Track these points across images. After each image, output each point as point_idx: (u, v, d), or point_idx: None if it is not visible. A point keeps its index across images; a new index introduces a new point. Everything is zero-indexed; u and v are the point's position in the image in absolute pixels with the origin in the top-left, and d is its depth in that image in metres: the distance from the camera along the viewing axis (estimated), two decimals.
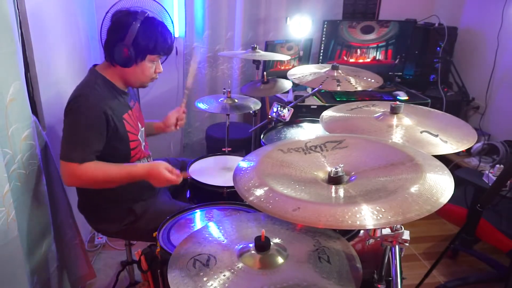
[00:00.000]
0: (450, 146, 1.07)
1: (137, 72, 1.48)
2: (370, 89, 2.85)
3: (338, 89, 1.63)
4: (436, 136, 1.11)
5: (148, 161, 1.67)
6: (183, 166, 1.88)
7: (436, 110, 1.34)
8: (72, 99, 1.42)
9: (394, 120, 1.19)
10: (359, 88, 1.63)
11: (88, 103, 1.39)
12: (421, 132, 1.13)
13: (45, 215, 1.53)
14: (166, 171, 1.43)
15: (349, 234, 1.27)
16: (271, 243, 0.92)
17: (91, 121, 1.39)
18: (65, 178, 1.42)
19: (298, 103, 2.25)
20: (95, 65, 1.53)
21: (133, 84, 1.56)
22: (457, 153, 2.63)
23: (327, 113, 1.32)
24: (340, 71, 1.72)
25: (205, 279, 0.85)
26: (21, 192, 1.35)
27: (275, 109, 1.88)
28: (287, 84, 2.04)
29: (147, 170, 1.45)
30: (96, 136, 1.41)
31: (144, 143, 1.66)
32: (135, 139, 1.57)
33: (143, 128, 1.67)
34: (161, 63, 1.56)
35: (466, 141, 1.10)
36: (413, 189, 0.79)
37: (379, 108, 1.30)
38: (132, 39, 1.40)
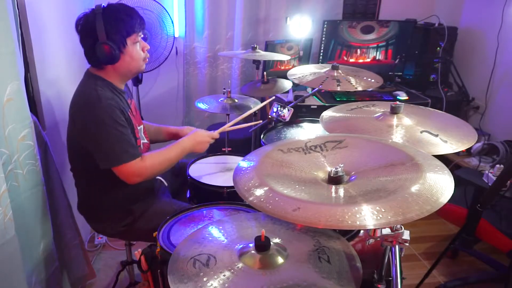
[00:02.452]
0: (450, 146, 1.07)
1: (127, 60, 1.47)
2: (370, 89, 2.85)
3: (338, 89, 1.63)
4: (436, 136, 1.11)
5: None
6: (182, 167, 1.88)
7: (436, 110, 1.34)
8: (83, 104, 1.42)
9: (394, 120, 1.19)
10: (359, 88, 1.63)
11: (102, 102, 1.39)
12: (421, 132, 1.13)
13: (44, 215, 1.53)
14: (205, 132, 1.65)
15: (349, 234, 1.27)
16: (271, 243, 0.91)
17: (116, 116, 1.40)
18: (129, 179, 1.44)
19: (298, 103, 2.25)
20: (89, 68, 1.53)
21: (130, 74, 1.55)
22: (457, 153, 2.62)
23: (327, 113, 1.31)
24: (340, 71, 1.72)
25: (205, 279, 0.85)
26: (19, 192, 1.35)
27: (275, 109, 1.87)
28: (287, 84, 2.04)
29: (192, 138, 1.60)
30: (127, 130, 1.43)
31: (145, 141, 1.65)
32: (137, 136, 1.57)
33: (141, 127, 1.66)
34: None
35: (466, 141, 1.09)
36: (413, 189, 0.79)
37: (379, 108, 1.30)
38: (104, 33, 1.39)
